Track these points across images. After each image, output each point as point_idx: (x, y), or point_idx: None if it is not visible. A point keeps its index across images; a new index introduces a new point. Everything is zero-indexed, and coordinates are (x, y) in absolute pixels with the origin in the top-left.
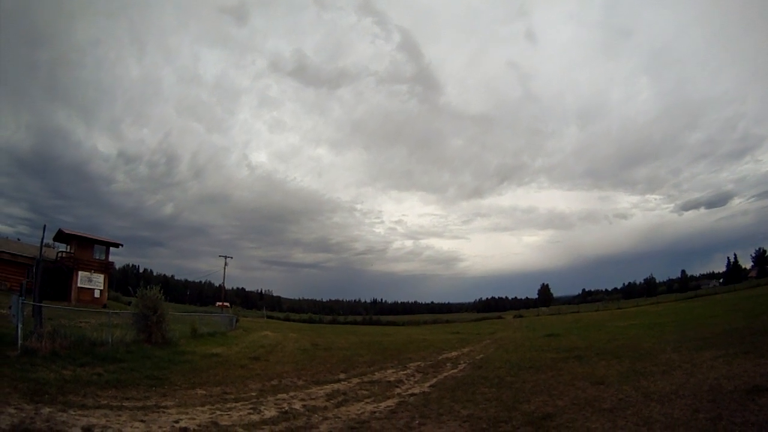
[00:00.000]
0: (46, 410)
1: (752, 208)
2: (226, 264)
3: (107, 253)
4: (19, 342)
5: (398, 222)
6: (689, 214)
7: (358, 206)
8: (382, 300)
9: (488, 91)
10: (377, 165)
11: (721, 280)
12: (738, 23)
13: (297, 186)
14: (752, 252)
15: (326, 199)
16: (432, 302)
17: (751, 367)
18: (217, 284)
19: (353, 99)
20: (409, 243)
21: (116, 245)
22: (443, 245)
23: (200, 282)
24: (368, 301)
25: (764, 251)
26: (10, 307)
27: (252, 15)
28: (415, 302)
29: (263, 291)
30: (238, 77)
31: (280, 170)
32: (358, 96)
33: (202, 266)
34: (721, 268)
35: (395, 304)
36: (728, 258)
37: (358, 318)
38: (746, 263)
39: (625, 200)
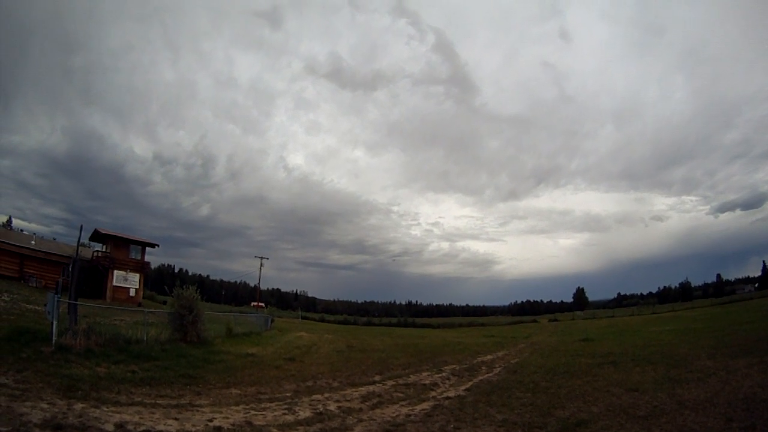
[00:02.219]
0: (78, 406)
1: None
2: (261, 265)
3: (143, 252)
4: (54, 338)
5: (435, 224)
6: (725, 216)
7: (395, 208)
8: (417, 302)
9: (523, 91)
10: (414, 167)
11: (756, 285)
12: None
13: (334, 188)
14: None
15: (363, 201)
16: (467, 305)
17: None
18: (252, 285)
19: (389, 101)
20: (445, 245)
21: (152, 245)
22: (479, 247)
23: (235, 282)
24: (403, 303)
25: None
26: (45, 304)
27: (286, 18)
28: (450, 305)
29: (298, 292)
30: (273, 80)
31: (317, 172)
32: (394, 98)
33: (237, 267)
34: (756, 272)
35: (430, 306)
36: (764, 262)
37: (393, 320)
38: None
39: (661, 202)
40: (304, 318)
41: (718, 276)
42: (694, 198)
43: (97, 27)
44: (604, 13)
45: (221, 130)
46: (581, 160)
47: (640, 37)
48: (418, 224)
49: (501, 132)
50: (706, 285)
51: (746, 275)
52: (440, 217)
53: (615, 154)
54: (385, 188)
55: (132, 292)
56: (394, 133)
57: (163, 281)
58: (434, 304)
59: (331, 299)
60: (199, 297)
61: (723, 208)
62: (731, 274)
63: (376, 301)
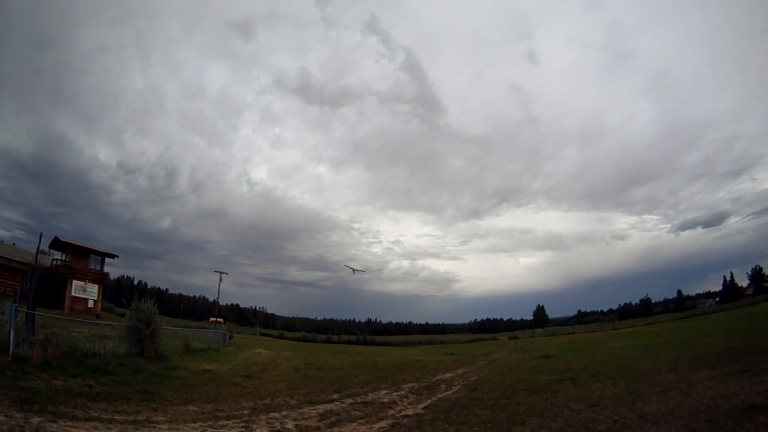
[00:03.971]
0: (35, 420)
1: (749, 227)
2: (221, 280)
3: (102, 263)
4: (11, 349)
5: (396, 242)
6: (686, 234)
7: (357, 225)
8: (376, 320)
9: (489, 112)
10: (377, 184)
11: (717, 299)
12: (737, 45)
13: (296, 203)
14: (748, 270)
15: (325, 218)
16: (427, 323)
17: (748, 386)
18: (211, 299)
19: (356, 118)
20: (405, 263)
21: (112, 256)
22: (440, 266)
23: (195, 297)
24: (363, 320)
25: (761, 269)
26: (2, 313)
27: (258, 30)
28: (410, 323)
29: (257, 308)
30: (241, 92)
31: (280, 187)
32: (361, 115)
33: (197, 281)
34: (717, 287)
35: (390, 324)
36: (724, 277)
37: (352, 337)
38: (742, 281)
39: (622, 221)
40: (262, 334)
41: (679, 292)
42: (655, 217)
43: (71, 26)
44: (572, 38)
45: (186, 141)
46: (544, 180)
47: (608, 62)
48: (379, 242)
49: (465, 152)
50: (666, 301)
51: (707, 290)
52: (401, 235)
53: (578, 174)
54: (347, 205)
55: (90, 304)
56: (358, 151)
57: (121, 293)
58: (394, 322)
59: (291, 316)
60: (157, 311)
61: (684, 227)
62: (692, 290)
63: (335, 318)
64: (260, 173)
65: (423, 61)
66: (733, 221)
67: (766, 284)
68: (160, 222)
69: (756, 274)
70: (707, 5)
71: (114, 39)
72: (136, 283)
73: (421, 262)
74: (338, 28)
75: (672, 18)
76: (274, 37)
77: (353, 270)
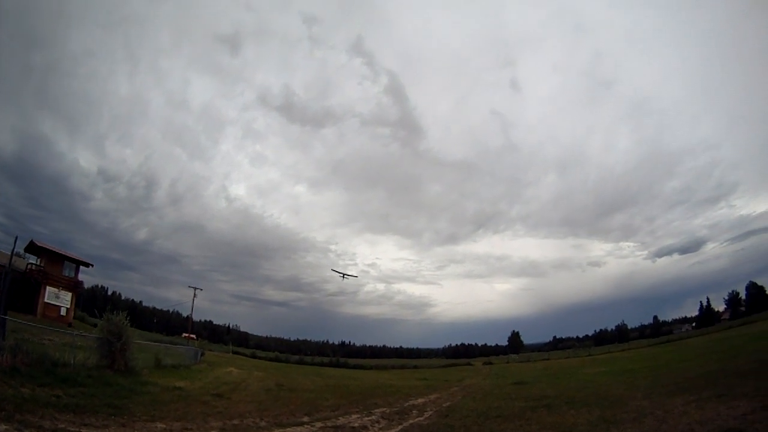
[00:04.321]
0: (2, 427)
1: (726, 252)
2: (195, 295)
3: (77, 271)
4: None
5: (371, 265)
6: (662, 261)
7: (333, 247)
8: (350, 342)
9: (470, 138)
10: (355, 207)
11: (693, 324)
12: (716, 73)
13: (273, 222)
14: (725, 295)
15: (301, 238)
16: (401, 347)
17: (725, 411)
18: (185, 315)
19: (336, 139)
20: (381, 287)
21: (87, 264)
22: (415, 290)
23: (168, 311)
24: (336, 342)
25: (737, 293)
26: None
27: (245, 45)
28: (384, 346)
29: (231, 325)
30: (225, 107)
31: (258, 205)
32: (342, 136)
33: (171, 295)
34: (694, 313)
35: (363, 347)
36: (701, 302)
37: (325, 359)
38: (719, 306)
39: (599, 248)
40: (235, 353)
41: (655, 317)
42: (632, 244)
43: (62, 27)
44: (555, 65)
45: (168, 152)
46: (522, 206)
47: (589, 89)
48: (355, 264)
49: (444, 177)
50: (642, 326)
51: (683, 315)
52: (377, 259)
53: (556, 201)
54: (324, 226)
55: (63, 311)
56: (338, 172)
57: (95, 302)
58: (368, 345)
59: (264, 335)
60: (129, 324)
61: (661, 253)
62: (668, 315)
63: (309, 339)
64: (239, 190)
65: (406, 84)
66: (710, 247)
67: (742, 309)
68: (137, 233)
69: (733, 299)
70: (687, 36)
71: (103, 43)
72: (110, 293)
73: (396, 286)
74: (324, 48)
75: (653, 48)
76: (261, 53)
77: (342, 276)
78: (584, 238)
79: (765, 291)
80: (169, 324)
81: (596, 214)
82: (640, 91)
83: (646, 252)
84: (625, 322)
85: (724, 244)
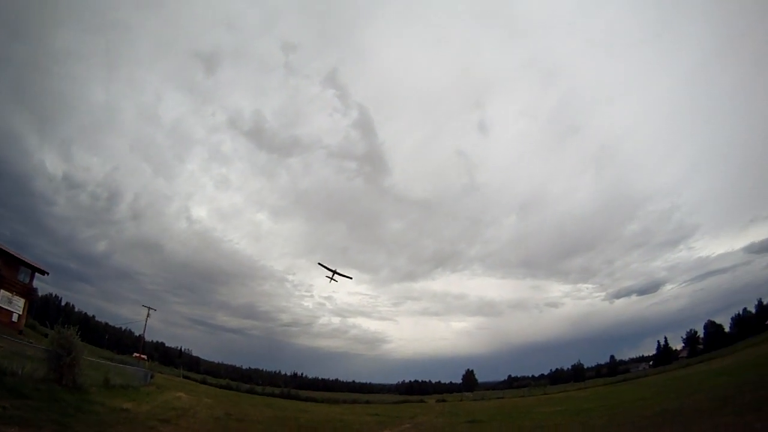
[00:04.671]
0: None
1: (684, 293)
2: (148, 315)
3: (32, 277)
4: None
5: (328, 298)
6: (620, 302)
7: (290, 277)
8: (302, 374)
9: (434, 177)
10: (315, 238)
11: (651, 363)
12: (681, 122)
13: (232, 248)
14: (683, 334)
15: (260, 266)
16: (354, 381)
17: None
18: (137, 333)
19: (302, 169)
20: (336, 320)
21: (42, 272)
22: (370, 325)
23: (120, 328)
24: (289, 374)
25: (695, 332)
26: None
27: (222, 66)
28: (337, 380)
29: (183, 349)
30: (194, 126)
31: (219, 229)
32: (307, 167)
33: (124, 312)
34: (651, 352)
35: (316, 379)
36: (658, 341)
37: (277, 390)
38: (677, 345)
39: (557, 289)
40: (185, 377)
41: (612, 357)
42: (590, 285)
43: (48, 23)
44: (523, 110)
45: (134, 166)
46: (482, 246)
47: (555, 134)
48: (312, 296)
49: (406, 214)
50: (599, 366)
51: (641, 354)
52: (334, 292)
53: (516, 243)
54: (283, 256)
55: (15, 317)
56: (300, 202)
57: (48, 312)
58: (320, 377)
59: (216, 361)
60: (80, 339)
61: (619, 294)
62: (625, 355)
63: (261, 368)
64: (201, 212)
65: (375, 119)
66: (668, 288)
67: (700, 347)
68: (96, 245)
69: (691, 338)
70: (655, 86)
71: (85, 45)
72: (63, 303)
73: (351, 320)
74: (299, 76)
75: (621, 96)
76: (236, 75)
77: (332, 274)
78: (542, 279)
79: (723, 329)
80: (121, 342)
81: (555, 256)
82: (606, 137)
83: (604, 293)
84: (582, 362)
85: (683, 284)
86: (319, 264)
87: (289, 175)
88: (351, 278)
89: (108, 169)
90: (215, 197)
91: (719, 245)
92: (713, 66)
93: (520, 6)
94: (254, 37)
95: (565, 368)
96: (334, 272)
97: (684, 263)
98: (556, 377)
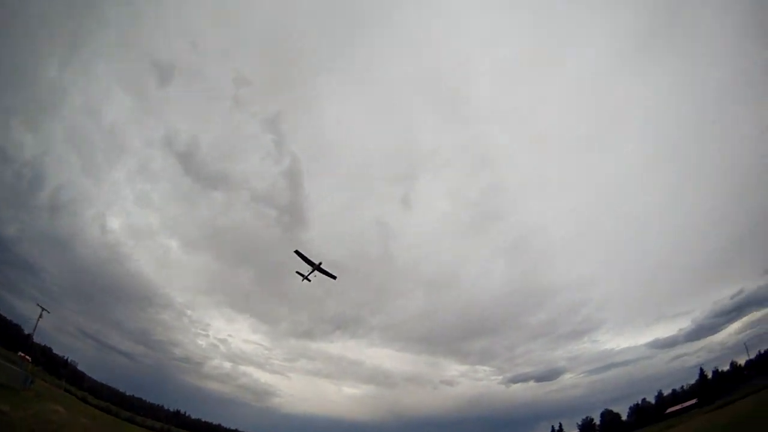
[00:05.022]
0: None
1: (583, 383)
2: (41, 316)
3: None
4: None
5: (223, 341)
6: (517, 386)
7: (189, 312)
8: (185, 413)
9: (351, 240)
10: (221, 278)
11: None
12: (597, 224)
13: (139, 268)
14: (578, 421)
15: (161, 293)
16: (237, 430)
17: None
18: (26, 332)
19: (223, 205)
20: (227, 365)
21: None
22: (261, 376)
23: (11, 321)
24: (172, 410)
25: (591, 419)
26: None
27: (174, 81)
28: (220, 425)
29: (69, 360)
30: (132, 135)
31: (129, 245)
32: (229, 205)
33: (18, 305)
34: None
35: (198, 421)
36: (552, 426)
37: (158, 424)
38: (572, 431)
39: (454, 368)
40: (67, 390)
41: None
42: (488, 368)
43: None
44: (451, 191)
45: (65, 156)
46: (385, 317)
47: (477, 219)
48: (207, 336)
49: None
50: None
51: None
52: (230, 336)
53: (420, 318)
54: (186, 289)
55: None
56: (215, 238)
57: None
58: (203, 420)
59: (100, 381)
60: None
61: (516, 379)
62: None
63: (144, 399)
64: (116, 223)
65: (305, 172)
66: (567, 377)
67: None
68: (7, 226)
69: (586, 425)
70: (580, 187)
71: (56, 15)
72: None
73: (243, 368)
74: (245, 113)
75: (546, 192)
76: (184, 95)
77: (312, 270)
78: (441, 357)
79: (620, 417)
80: (7, 335)
81: (458, 336)
82: (525, 228)
83: (501, 377)
84: None
85: (582, 375)
86: (296, 252)
87: (209, 208)
88: (335, 277)
89: (39, 152)
90: (133, 212)
91: (623, 340)
92: (636, 180)
93: (467, 94)
94: (212, 62)
95: None
96: (316, 267)
97: (586, 354)
98: None
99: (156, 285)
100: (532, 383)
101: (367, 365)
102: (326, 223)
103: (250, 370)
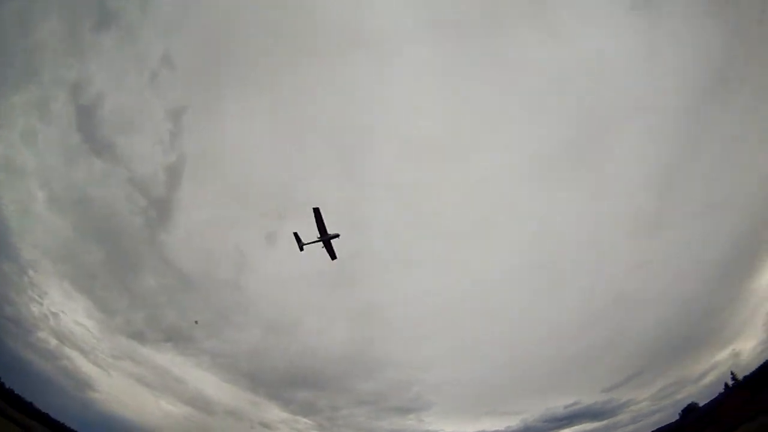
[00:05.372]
0: None
1: None
2: None
3: None
4: None
5: (55, 315)
6: None
7: (31, 272)
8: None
9: (207, 257)
10: (72, 249)
11: None
12: (454, 306)
13: None
14: None
15: (7, 242)
16: (48, 414)
17: None
18: None
19: (98, 174)
20: (54, 341)
21: None
22: (84, 365)
23: None
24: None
25: None
26: None
27: (111, 33)
28: (32, 403)
29: None
30: (48, 63)
31: None
32: (105, 176)
33: None
34: None
35: (11, 391)
36: None
37: None
38: None
39: (275, 413)
40: None
41: None
42: (309, 421)
43: None
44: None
45: None
46: (219, 343)
47: (331, 277)
48: (41, 304)
49: (164, 276)
50: None
51: None
52: (63, 312)
53: (251, 354)
54: (36, 247)
55: None
56: (81, 205)
57: None
58: (16, 391)
59: None
60: None
61: None
62: None
63: None
64: None
65: (187, 175)
66: None
67: None
68: None
69: None
70: (438, 271)
71: None
72: None
73: (68, 350)
74: (155, 93)
75: (406, 269)
76: (113, 51)
77: (326, 239)
78: (264, 398)
79: None
80: None
81: (285, 381)
82: (378, 298)
83: None
84: None
85: None
86: (315, 210)
87: (86, 173)
88: (335, 257)
89: None
90: (15, 144)
91: (449, 425)
92: (507, 280)
93: (363, 161)
94: (151, 30)
95: None
96: (329, 238)
97: (409, 430)
98: None
99: (9, 231)
100: None
101: (190, 386)
102: (189, 231)
103: (74, 354)
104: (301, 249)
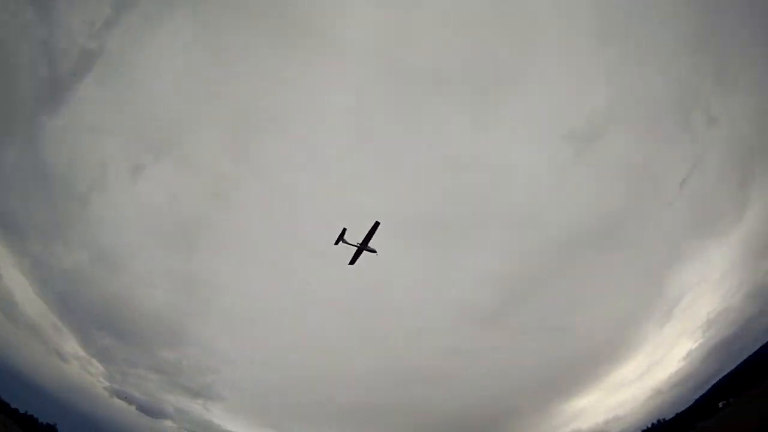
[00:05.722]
0: None
1: None
2: None
3: None
4: None
5: None
6: (120, 403)
7: None
8: None
9: (72, 160)
10: None
11: None
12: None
13: None
14: None
15: None
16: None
17: None
18: None
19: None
20: None
21: None
22: None
23: None
24: None
25: None
26: None
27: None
28: None
29: None
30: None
31: None
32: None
33: None
34: None
35: None
36: None
37: None
38: None
39: (73, 347)
40: None
41: None
42: (102, 368)
43: None
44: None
45: None
46: (44, 250)
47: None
48: None
49: (27, 157)
50: None
51: None
52: None
53: (70, 275)
54: None
55: None
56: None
57: None
58: None
59: None
60: None
61: (121, 395)
62: None
63: None
64: None
65: (96, 70)
66: (168, 424)
67: None
68: None
69: None
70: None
71: None
72: None
73: None
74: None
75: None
76: None
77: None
78: (67, 328)
79: None
80: None
81: (92, 319)
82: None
83: (109, 384)
84: None
85: (182, 431)
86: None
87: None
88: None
89: None
90: None
91: (232, 424)
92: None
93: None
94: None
95: None
96: (367, 249)
97: (195, 415)
98: None
99: None
100: (134, 409)
101: (2, 282)
102: (70, 127)
103: None
104: (336, 243)
